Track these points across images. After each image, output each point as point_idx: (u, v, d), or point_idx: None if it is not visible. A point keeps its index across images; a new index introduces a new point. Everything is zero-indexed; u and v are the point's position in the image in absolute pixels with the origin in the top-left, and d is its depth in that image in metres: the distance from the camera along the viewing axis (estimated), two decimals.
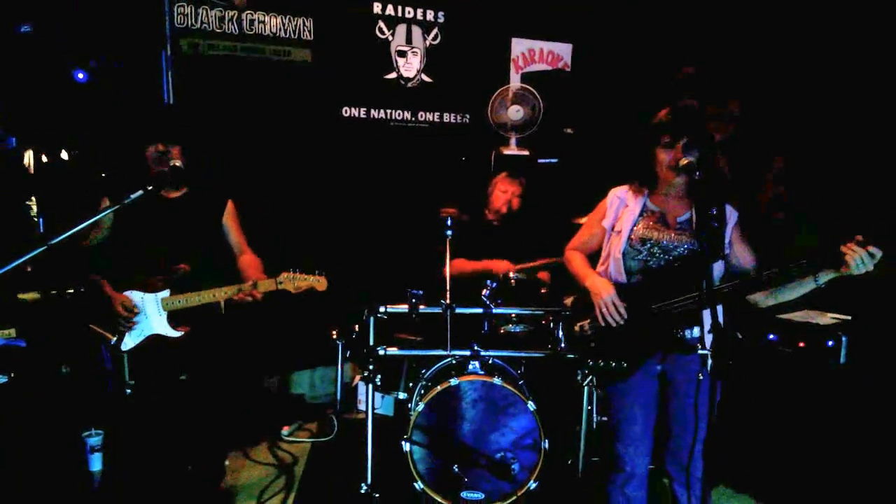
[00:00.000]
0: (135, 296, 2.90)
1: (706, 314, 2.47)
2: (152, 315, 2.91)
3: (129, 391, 3.89)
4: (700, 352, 2.39)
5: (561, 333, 3.37)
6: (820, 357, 3.23)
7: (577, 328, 2.68)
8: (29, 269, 2.17)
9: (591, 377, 2.67)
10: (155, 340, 2.94)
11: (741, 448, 3.55)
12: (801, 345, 3.32)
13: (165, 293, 2.90)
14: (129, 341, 2.92)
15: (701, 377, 2.24)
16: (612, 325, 2.53)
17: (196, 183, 3.05)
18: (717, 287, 2.37)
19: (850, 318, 3.40)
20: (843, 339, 3.17)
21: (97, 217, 2.44)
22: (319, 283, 2.96)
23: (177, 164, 2.81)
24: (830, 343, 3.20)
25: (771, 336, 3.45)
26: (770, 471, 3.47)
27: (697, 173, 2.31)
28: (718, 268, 2.49)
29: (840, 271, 2.15)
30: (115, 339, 2.92)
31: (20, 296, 3.45)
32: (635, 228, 2.57)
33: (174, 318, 2.94)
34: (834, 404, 3.19)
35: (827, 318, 3.43)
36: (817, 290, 2.26)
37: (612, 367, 2.56)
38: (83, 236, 2.92)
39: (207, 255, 3.00)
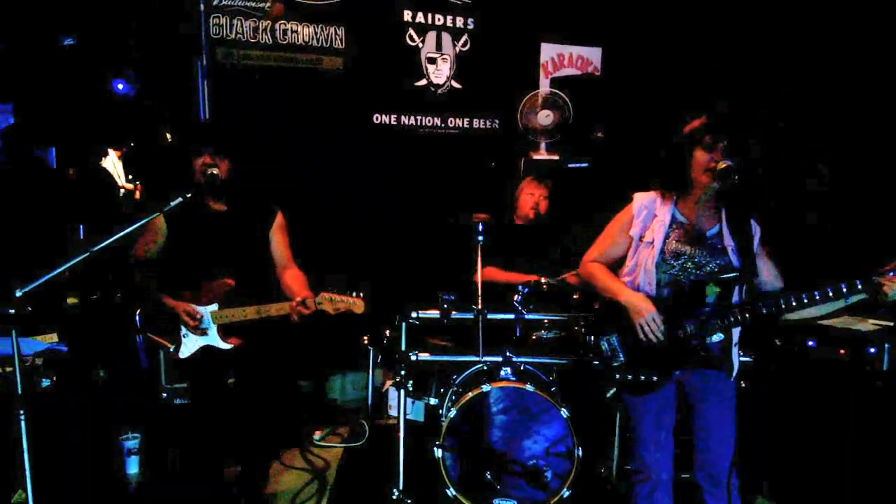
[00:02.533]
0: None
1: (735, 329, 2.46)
2: (206, 327, 2.98)
3: (164, 395, 3.97)
4: (742, 358, 2.36)
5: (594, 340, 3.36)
6: (861, 365, 3.16)
7: (604, 342, 2.64)
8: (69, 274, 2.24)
9: (614, 390, 2.63)
10: (207, 350, 3.00)
11: (778, 458, 3.49)
12: (842, 352, 3.24)
13: (214, 307, 2.95)
14: (185, 350, 2.99)
15: (743, 385, 2.22)
16: (651, 342, 2.48)
17: (244, 194, 3.08)
18: (770, 301, 2.37)
19: (892, 324, 3.32)
20: (886, 346, 3.09)
21: (134, 226, 2.49)
22: (356, 305, 2.89)
23: (214, 172, 2.85)
24: (872, 350, 3.13)
25: (810, 343, 3.38)
26: (808, 481, 3.41)
27: (736, 177, 2.29)
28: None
29: (873, 297, 2.28)
30: (172, 347, 2.99)
31: (70, 300, 3.53)
32: (668, 241, 2.51)
33: (224, 331, 2.98)
34: (876, 414, 3.11)
35: (868, 325, 3.35)
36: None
37: (642, 381, 2.53)
38: (137, 248, 3.01)
39: (253, 268, 3.03)
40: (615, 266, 2.70)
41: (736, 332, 2.51)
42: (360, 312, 2.90)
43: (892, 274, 2.24)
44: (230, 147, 2.95)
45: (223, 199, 3.02)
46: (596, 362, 2.64)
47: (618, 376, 2.57)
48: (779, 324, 2.49)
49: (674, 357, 2.50)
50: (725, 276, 2.43)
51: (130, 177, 5.34)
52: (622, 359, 2.57)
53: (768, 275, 2.52)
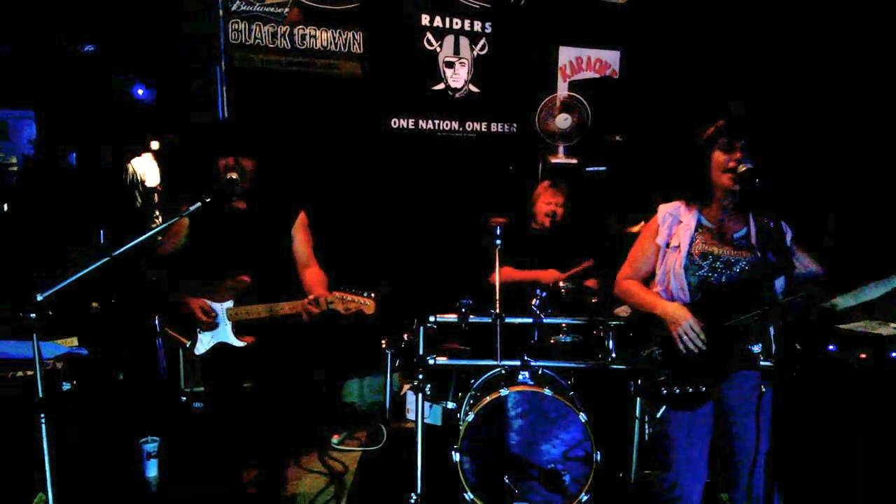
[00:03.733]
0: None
1: (771, 328, 2.40)
2: (220, 323, 2.99)
3: (183, 398, 4.00)
4: (762, 363, 2.32)
5: (612, 344, 3.34)
6: (883, 369, 3.11)
7: (645, 359, 2.57)
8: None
9: (664, 408, 2.56)
10: (221, 348, 3.01)
11: (797, 463, 3.44)
12: (863, 356, 3.20)
13: (229, 304, 2.97)
14: (201, 347, 3.03)
15: (763, 389, 2.18)
16: (694, 352, 2.42)
17: (267, 194, 3.09)
18: (799, 295, 2.31)
19: None
20: None
21: (155, 231, 2.52)
22: (367, 305, 2.88)
23: (233, 177, 2.87)
24: (894, 354, 3.09)
25: (830, 347, 3.34)
26: (828, 487, 3.36)
27: (758, 181, 2.26)
28: (780, 282, 2.41)
29: None
30: (189, 343, 3.03)
31: (94, 305, 3.57)
32: (694, 243, 2.48)
33: (239, 328, 2.99)
34: None
35: (889, 329, 3.30)
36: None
37: (690, 393, 2.45)
38: (160, 245, 3.04)
39: (273, 266, 3.04)
40: (647, 282, 2.66)
41: (773, 331, 2.46)
42: (370, 313, 2.88)
43: None
44: (255, 148, 2.96)
45: (246, 198, 3.04)
46: (619, 366, 2.60)
47: (665, 391, 2.49)
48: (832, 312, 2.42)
49: (719, 364, 2.44)
50: (755, 271, 2.38)
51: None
52: (667, 372, 2.50)
53: (805, 267, 2.46)
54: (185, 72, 4.39)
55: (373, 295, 2.88)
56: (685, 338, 2.40)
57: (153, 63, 4.28)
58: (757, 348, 2.43)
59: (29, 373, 3.06)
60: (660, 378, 2.50)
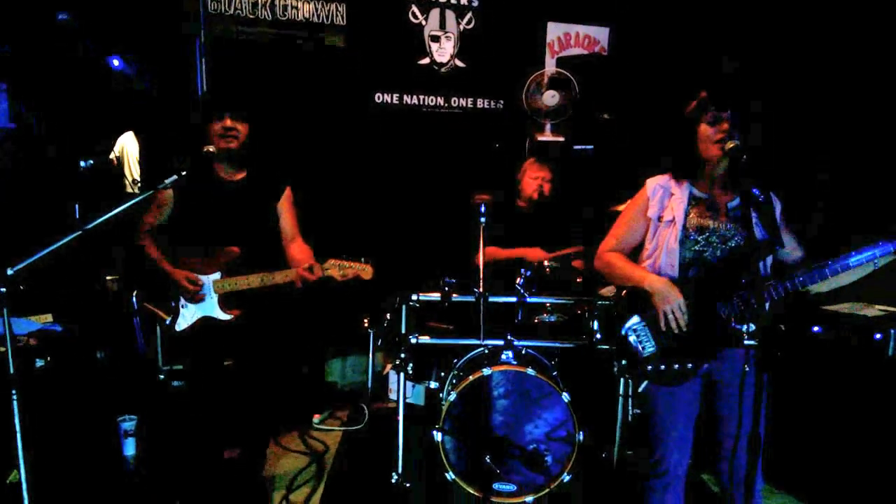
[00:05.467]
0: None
1: (768, 306, 2.37)
2: (207, 295, 2.94)
3: (161, 376, 3.96)
4: (746, 342, 2.28)
5: (597, 324, 3.31)
6: (866, 350, 3.11)
7: (630, 332, 2.50)
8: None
9: (646, 383, 2.52)
10: (205, 323, 2.95)
11: (780, 443, 3.45)
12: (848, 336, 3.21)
13: (217, 275, 2.91)
14: (182, 322, 2.96)
15: (746, 368, 2.15)
16: (673, 332, 2.39)
17: (255, 167, 3.03)
18: (792, 275, 2.29)
19: None
20: (892, 331, 3.05)
21: (130, 203, 2.45)
22: (365, 271, 2.88)
23: (210, 149, 2.80)
24: (878, 336, 3.08)
25: (815, 328, 3.33)
26: (811, 467, 3.37)
27: (744, 157, 2.23)
28: (767, 260, 2.39)
29: None
30: (169, 319, 2.96)
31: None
32: (689, 217, 2.43)
33: (225, 301, 2.94)
34: (881, 399, 3.07)
35: (874, 310, 3.30)
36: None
37: (675, 371, 2.42)
38: (143, 220, 2.98)
39: (261, 240, 2.99)
40: (632, 255, 2.61)
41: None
42: (368, 279, 2.89)
43: None
44: (250, 111, 2.90)
45: (236, 167, 2.99)
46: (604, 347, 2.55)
47: (650, 368, 2.46)
48: (808, 297, 2.41)
49: (707, 341, 2.41)
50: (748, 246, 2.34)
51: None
52: (653, 348, 2.47)
53: (794, 249, 2.45)
54: (163, 44, 4.29)
55: (369, 261, 2.88)
56: (670, 317, 2.37)
57: (134, 34, 4.16)
58: (751, 326, 2.38)
59: (1, 349, 2.99)
60: (644, 354, 2.47)
